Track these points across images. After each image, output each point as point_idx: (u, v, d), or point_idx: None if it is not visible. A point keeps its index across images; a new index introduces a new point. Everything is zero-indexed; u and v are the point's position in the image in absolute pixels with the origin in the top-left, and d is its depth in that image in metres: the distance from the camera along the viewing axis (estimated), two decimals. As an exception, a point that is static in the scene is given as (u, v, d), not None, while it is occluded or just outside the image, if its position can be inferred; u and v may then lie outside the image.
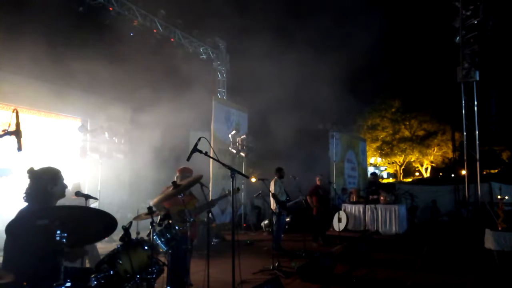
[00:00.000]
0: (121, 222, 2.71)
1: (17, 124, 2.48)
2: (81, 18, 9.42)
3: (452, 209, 13.11)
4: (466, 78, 11.94)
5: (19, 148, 2.48)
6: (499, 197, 7.52)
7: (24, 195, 2.73)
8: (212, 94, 12.19)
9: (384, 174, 36.18)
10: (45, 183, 2.74)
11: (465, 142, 12.22)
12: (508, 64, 20.64)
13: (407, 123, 29.73)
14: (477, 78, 11.90)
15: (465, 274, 5.83)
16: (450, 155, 27.89)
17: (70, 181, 8.22)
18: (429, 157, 30.12)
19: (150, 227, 3.16)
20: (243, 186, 11.52)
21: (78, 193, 3.15)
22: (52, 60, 8.00)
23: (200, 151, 3.49)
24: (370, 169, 28.58)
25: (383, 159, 33.07)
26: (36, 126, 8.73)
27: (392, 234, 10.14)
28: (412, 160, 31.07)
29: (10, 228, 2.50)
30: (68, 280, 2.24)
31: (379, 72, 26.31)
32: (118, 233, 2.78)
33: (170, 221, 3.65)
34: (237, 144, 11.04)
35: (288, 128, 14.88)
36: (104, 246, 3.98)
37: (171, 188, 3.86)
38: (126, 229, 2.88)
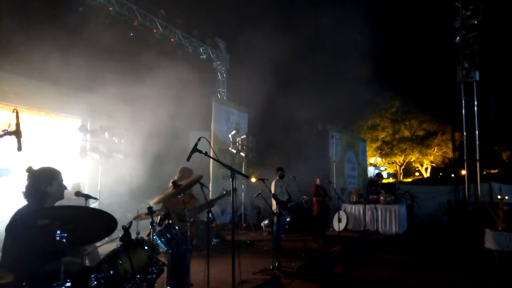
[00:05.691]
0: (121, 222, 2.71)
1: (17, 124, 2.48)
2: (81, 18, 9.42)
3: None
4: (466, 78, 11.91)
5: (19, 148, 2.48)
6: (499, 197, 7.51)
7: (23, 193, 2.74)
8: (212, 94, 12.19)
9: (384, 174, 36.17)
10: (40, 182, 2.73)
11: (465, 142, 12.19)
12: (508, 64, 20.64)
13: (407, 123, 29.73)
14: (477, 78, 11.87)
15: (465, 274, 5.82)
16: (450, 155, 27.91)
17: (70, 181, 8.27)
18: (429, 157, 30.13)
19: (150, 227, 3.16)
20: (243, 186, 11.51)
21: (78, 193, 3.14)
22: (52, 60, 8.00)
23: (200, 151, 3.48)
24: (370, 169, 28.59)
25: (383, 159, 33.07)
26: (36, 126, 8.73)
27: (392, 234, 10.13)
28: (412, 160, 31.07)
29: (10, 228, 2.51)
30: (68, 280, 2.24)
31: (379, 72, 26.29)
32: (118, 233, 2.78)
33: (170, 221, 3.65)
34: (237, 144, 11.03)
35: (288, 128, 14.91)
36: (104, 246, 3.97)
37: (171, 188, 3.85)
38: (126, 229, 2.89)
